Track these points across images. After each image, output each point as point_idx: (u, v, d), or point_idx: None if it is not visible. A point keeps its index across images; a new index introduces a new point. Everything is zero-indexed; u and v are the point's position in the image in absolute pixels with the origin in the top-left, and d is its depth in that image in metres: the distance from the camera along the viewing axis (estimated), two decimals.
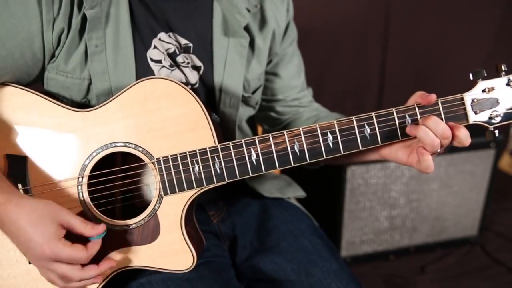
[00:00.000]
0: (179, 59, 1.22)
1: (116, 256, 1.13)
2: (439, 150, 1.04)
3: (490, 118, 1.06)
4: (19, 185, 1.10)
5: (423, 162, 1.04)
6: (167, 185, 1.11)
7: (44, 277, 1.07)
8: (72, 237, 1.04)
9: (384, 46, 2.99)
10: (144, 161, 1.12)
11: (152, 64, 1.19)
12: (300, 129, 1.08)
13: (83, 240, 1.05)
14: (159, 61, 1.19)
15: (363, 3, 2.88)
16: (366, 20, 2.91)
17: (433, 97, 1.04)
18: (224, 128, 1.27)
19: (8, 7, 1.08)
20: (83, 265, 1.05)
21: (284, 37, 1.40)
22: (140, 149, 1.11)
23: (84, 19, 1.12)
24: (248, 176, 1.10)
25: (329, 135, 1.08)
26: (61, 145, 1.12)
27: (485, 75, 1.05)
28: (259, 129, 1.64)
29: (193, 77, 1.24)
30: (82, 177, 1.12)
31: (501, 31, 3.16)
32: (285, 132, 1.09)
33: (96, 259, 1.12)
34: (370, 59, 3.02)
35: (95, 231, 1.05)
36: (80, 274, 1.04)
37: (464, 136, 1.03)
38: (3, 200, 1.01)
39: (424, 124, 1.03)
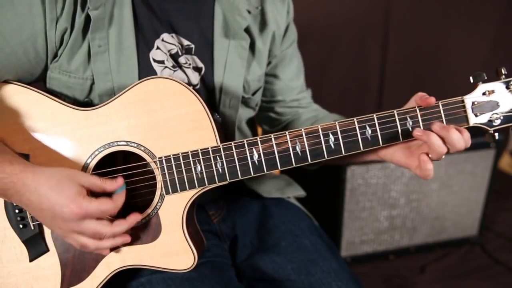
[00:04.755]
0: (181, 60, 1.23)
1: (117, 255, 1.14)
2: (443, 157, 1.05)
3: (490, 120, 1.07)
4: None
5: (425, 170, 1.06)
6: (169, 184, 1.11)
7: (74, 245, 1.06)
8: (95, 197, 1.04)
9: (384, 46, 3.00)
10: (146, 160, 1.12)
11: (154, 64, 1.19)
12: (302, 129, 1.09)
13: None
14: (162, 62, 1.20)
15: (363, 3, 2.88)
16: (366, 20, 2.91)
17: (432, 100, 1.05)
18: (224, 129, 1.28)
19: (13, 5, 1.09)
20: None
21: (284, 38, 1.40)
22: (142, 148, 1.11)
23: (87, 19, 1.12)
24: (250, 176, 1.11)
25: (331, 136, 1.09)
26: (63, 143, 1.12)
27: (485, 78, 1.06)
28: (259, 130, 1.64)
29: (195, 78, 1.24)
30: None
31: (501, 31, 3.17)
32: (287, 132, 1.09)
33: (97, 260, 1.13)
34: (370, 59, 3.02)
35: (115, 184, 1.06)
36: (110, 228, 1.03)
37: (467, 139, 1.05)
38: (17, 170, 1.01)
39: (441, 135, 1.03)
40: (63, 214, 0.99)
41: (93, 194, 1.06)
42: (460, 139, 1.03)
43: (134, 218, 1.08)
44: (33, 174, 1.01)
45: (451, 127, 1.03)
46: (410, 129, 1.08)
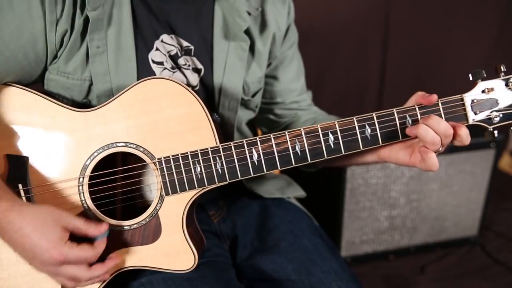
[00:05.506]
0: (181, 61, 1.22)
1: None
2: (440, 149, 1.05)
3: (490, 118, 1.07)
4: (20, 185, 1.10)
5: (427, 160, 1.05)
6: (168, 185, 1.11)
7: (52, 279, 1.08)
8: (77, 239, 1.04)
9: (384, 46, 3.00)
10: (145, 162, 1.12)
11: (153, 66, 1.19)
12: (302, 129, 1.09)
13: (88, 240, 1.06)
14: (161, 63, 1.20)
15: (363, 3, 2.88)
16: (366, 20, 2.91)
17: (434, 97, 1.05)
18: (223, 131, 1.27)
19: (12, 8, 1.08)
20: (90, 265, 1.06)
21: (284, 40, 1.40)
22: (141, 149, 1.11)
23: (86, 20, 1.12)
24: (250, 176, 1.10)
25: (330, 135, 1.08)
26: (61, 145, 1.12)
27: (485, 75, 1.05)
28: (259, 132, 1.64)
29: (194, 79, 1.24)
30: (83, 178, 1.12)
31: (501, 32, 3.17)
32: (286, 132, 1.09)
33: (98, 259, 1.12)
34: (370, 59, 3.02)
35: (98, 230, 1.07)
36: (88, 273, 1.05)
37: (465, 135, 1.04)
38: (3, 208, 1.01)
39: (425, 123, 1.03)
40: (43, 258, 1.01)
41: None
42: (440, 121, 1.02)
43: (111, 263, 1.10)
44: (19, 214, 1.01)
45: (432, 115, 1.04)
46: None
